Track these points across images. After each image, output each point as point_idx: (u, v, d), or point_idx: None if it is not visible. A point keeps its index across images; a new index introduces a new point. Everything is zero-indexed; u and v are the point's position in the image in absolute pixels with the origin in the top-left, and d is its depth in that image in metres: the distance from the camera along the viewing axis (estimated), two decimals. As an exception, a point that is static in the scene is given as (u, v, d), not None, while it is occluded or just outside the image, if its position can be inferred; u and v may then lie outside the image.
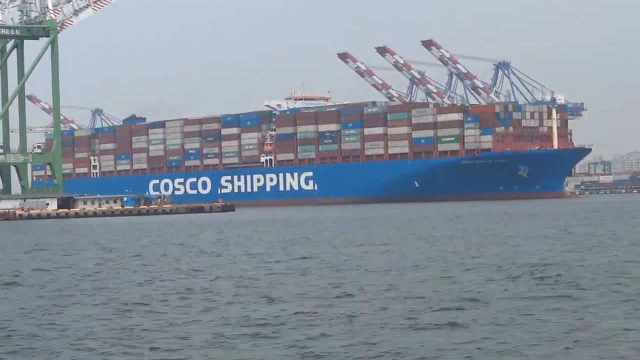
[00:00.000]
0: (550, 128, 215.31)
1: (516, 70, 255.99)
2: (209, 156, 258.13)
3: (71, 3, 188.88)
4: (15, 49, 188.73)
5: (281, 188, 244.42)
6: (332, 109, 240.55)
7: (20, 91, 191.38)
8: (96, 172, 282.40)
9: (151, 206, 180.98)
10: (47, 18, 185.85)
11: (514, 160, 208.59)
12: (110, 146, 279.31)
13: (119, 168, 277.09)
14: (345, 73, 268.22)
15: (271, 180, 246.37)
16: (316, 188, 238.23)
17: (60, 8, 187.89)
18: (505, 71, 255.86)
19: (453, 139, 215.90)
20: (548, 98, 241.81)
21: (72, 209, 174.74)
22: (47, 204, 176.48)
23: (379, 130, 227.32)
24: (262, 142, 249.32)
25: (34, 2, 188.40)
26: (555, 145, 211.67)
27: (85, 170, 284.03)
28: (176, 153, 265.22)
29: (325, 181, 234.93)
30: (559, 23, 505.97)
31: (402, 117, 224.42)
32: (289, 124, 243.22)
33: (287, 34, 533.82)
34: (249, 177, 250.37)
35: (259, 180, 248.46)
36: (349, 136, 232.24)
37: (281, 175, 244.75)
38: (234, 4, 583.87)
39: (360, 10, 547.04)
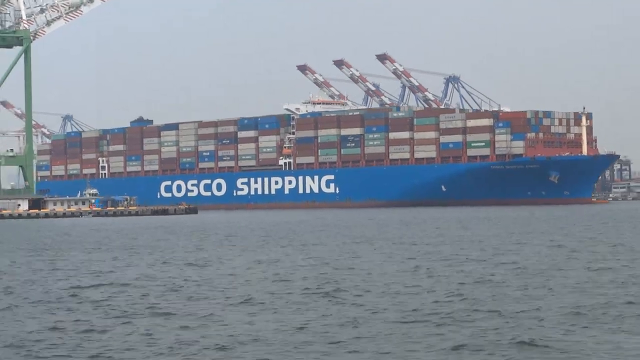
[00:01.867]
0: (578, 135, 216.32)
1: (465, 83, 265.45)
2: (225, 158, 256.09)
3: (44, 14, 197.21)
4: None
5: (300, 191, 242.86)
6: (355, 113, 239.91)
7: None
8: (105, 174, 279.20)
9: (118, 208, 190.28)
10: (21, 28, 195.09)
11: (546, 166, 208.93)
12: (120, 147, 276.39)
13: (129, 169, 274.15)
14: (303, 84, 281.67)
15: (290, 183, 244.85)
16: (337, 191, 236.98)
17: (34, 18, 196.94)
18: (455, 84, 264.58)
19: (483, 144, 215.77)
20: (496, 109, 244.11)
21: (42, 210, 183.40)
22: (19, 205, 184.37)
23: (404, 134, 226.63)
24: (281, 145, 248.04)
25: (8, 12, 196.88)
26: (585, 151, 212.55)
27: (93, 171, 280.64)
28: (190, 155, 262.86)
29: (347, 184, 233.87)
30: (510, 34, 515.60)
31: (430, 122, 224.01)
32: (309, 127, 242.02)
33: (254, 41, 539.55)
34: (266, 179, 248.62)
35: (277, 182, 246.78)
36: (373, 140, 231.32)
37: (300, 178, 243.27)
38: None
39: (318, 24, 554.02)
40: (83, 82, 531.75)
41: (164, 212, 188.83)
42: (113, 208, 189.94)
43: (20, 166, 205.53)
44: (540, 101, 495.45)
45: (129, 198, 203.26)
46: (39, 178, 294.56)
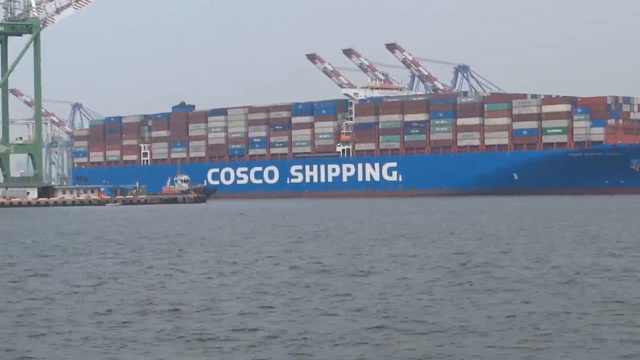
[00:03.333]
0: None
1: (474, 72, 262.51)
2: (277, 145, 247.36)
3: (53, 2, 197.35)
4: (0, 45, 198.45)
5: (359, 179, 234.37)
6: (420, 98, 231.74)
7: (4, 85, 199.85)
8: (147, 160, 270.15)
9: (127, 196, 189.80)
10: (31, 16, 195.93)
11: (628, 154, 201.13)
12: (163, 133, 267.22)
13: (173, 156, 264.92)
14: (313, 73, 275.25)
15: (348, 170, 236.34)
16: (400, 179, 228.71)
17: (43, 6, 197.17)
18: (465, 74, 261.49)
19: (560, 130, 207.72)
20: None
21: (51, 198, 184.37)
22: (28, 193, 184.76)
23: (474, 120, 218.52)
24: (338, 131, 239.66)
25: (18, 0, 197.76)
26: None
27: (134, 157, 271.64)
28: (239, 141, 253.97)
29: (410, 172, 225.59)
30: (517, 26, 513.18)
31: (502, 107, 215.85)
32: (369, 113, 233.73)
33: (259, 32, 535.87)
34: (322, 167, 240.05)
35: (334, 170, 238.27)
36: (440, 126, 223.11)
37: (360, 165, 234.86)
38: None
39: (327, 13, 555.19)
40: (96, 70, 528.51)
41: (173, 201, 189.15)
42: (122, 196, 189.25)
43: (30, 154, 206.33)
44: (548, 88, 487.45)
45: (137, 186, 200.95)
46: (75, 164, 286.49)
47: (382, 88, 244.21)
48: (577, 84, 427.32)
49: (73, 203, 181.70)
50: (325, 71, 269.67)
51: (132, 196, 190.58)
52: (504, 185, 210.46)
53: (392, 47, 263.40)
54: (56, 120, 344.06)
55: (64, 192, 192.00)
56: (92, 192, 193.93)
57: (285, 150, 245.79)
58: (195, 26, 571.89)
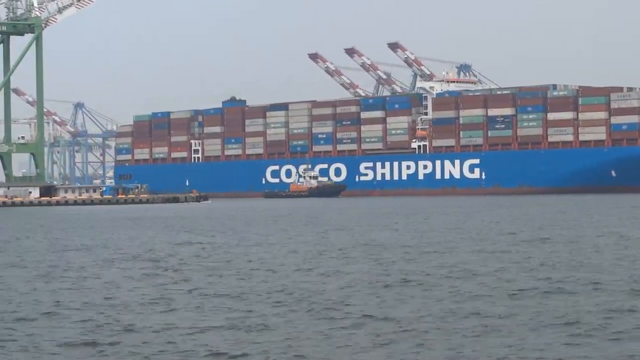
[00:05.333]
0: None
1: (476, 71, 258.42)
2: (345, 141, 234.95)
3: (55, 1, 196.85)
4: (2, 45, 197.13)
5: (437, 176, 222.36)
6: (506, 92, 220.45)
7: (6, 85, 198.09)
8: (198, 157, 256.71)
9: (129, 196, 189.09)
10: (33, 15, 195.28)
11: None
12: (216, 129, 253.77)
13: (227, 153, 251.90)
14: (314, 72, 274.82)
15: (425, 167, 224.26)
16: (483, 177, 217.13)
17: (45, 6, 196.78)
18: (467, 72, 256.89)
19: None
20: None
21: (53, 198, 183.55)
22: (30, 192, 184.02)
23: (567, 115, 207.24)
24: (413, 126, 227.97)
25: (20, 0, 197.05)
26: None
27: (184, 154, 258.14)
28: (302, 137, 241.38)
29: (495, 169, 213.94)
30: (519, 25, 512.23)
31: (599, 101, 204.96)
32: (449, 108, 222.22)
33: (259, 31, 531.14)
34: (396, 163, 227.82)
35: (409, 167, 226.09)
36: (528, 121, 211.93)
37: (438, 162, 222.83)
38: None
39: (329, 12, 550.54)
40: (99, 69, 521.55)
41: (175, 200, 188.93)
42: (124, 195, 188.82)
43: (32, 153, 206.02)
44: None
45: (140, 186, 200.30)
46: (117, 162, 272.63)
47: (458, 81, 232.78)
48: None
49: (75, 202, 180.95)
50: (327, 70, 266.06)
51: (134, 195, 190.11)
52: (598, 183, 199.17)
53: (394, 46, 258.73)
54: (58, 120, 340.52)
55: (66, 192, 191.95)
56: (94, 191, 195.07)
57: (353, 146, 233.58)
58: (195, 27, 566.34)
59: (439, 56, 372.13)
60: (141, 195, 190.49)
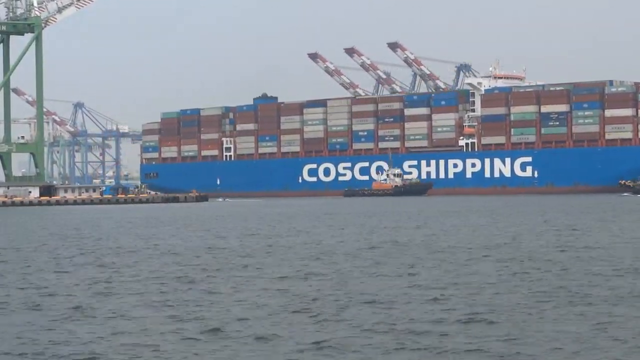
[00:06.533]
0: None
1: (476, 71, 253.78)
2: (387, 138, 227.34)
3: (55, 1, 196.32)
4: (2, 44, 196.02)
5: (487, 174, 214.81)
6: (559, 88, 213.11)
7: (6, 84, 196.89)
8: (229, 155, 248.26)
9: (129, 195, 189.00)
10: (32, 15, 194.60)
11: None
12: (249, 126, 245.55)
13: (261, 151, 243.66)
14: (314, 72, 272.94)
15: (473, 165, 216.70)
16: (536, 175, 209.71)
17: (45, 5, 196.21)
18: (467, 72, 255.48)
19: None
20: None
21: (53, 197, 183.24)
22: (30, 192, 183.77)
23: (626, 111, 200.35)
24: (461, 123, 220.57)
25: (20, 0, 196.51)
26: None
27: (214, 152, 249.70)
28: (341, 135, 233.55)
29: (548, 167, 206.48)
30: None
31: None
32: (499, 104, 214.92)
33: (260, 31, 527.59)
34: (442, 162, 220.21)
35: (456, 165, 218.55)
36: (584, 118, 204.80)
37: (487, 160, 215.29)
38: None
39: (329, 12, 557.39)
40: (99, 69, 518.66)
41: (175, 200, 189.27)
42: (124, 195, 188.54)
43: (32, 153, 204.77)
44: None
45: (139, 185, 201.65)
46: (144, 160, 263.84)
47: (505, 77, 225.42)
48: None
49: (75, 202, 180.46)
50: (327, 70, 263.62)
51: (134, 195, 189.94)
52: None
53: (393, 46, 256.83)
54: (58, 120, 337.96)
55: (65, 192, 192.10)
56: (94, 191, 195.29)
57: (396, 144, 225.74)
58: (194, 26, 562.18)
59: (439, 56, 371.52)
60: (141, 195, 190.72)
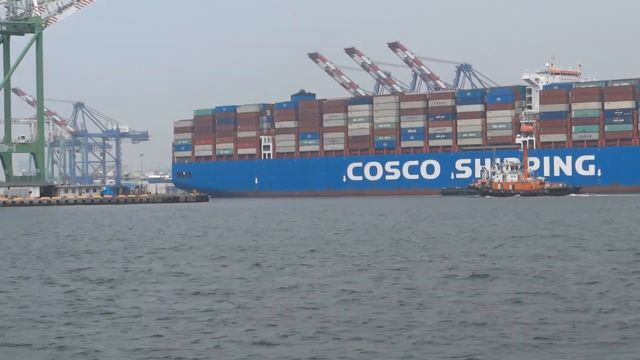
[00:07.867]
0: None
1: (476, 71, 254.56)
2: (438, 136, 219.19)
3: (55, 1, 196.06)
4: (2, 44, 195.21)
5: (546, 173, 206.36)
6: (625, 83, 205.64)
7: (6, 84, 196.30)
8: (268, 154, 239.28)
9: (129, 195, 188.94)
10: (33, 15, 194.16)
11: None
12: (290, 124, 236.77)
13: (302, 149, 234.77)
14: (315, 72, 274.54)
15: (532, 164, 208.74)
16: (599, 174, 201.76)
17: (45, 6, 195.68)
18: (467, 72, 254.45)
19: None
20: None
21: (53, 197, 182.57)
22: (30, 192, 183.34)
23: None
24: (517, 121, 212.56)
25: (20, 0, 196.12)
26: None
27: (252, 151, 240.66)
28: (388, 132, 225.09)
29: (613, 166, 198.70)
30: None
31: None
32: (559, 101, 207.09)
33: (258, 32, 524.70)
34: (498, 160, 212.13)
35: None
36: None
37: (546, 158, 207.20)
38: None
39: (330, 12, 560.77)
40: (99, 68, 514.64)
41: (175, 200, 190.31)
42: (124, 195, 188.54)
43: (32, 153, 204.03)
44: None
45: (140, 185, 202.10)
46: (175, 159, 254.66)
47: (562, 73, 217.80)
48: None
49: (75, 202, 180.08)
50: (327, 70, 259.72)
51: (134, 195, 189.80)
52: None
53: (394, 46, 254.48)
54: (58, 120, 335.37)
55: (66, 192, 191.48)
56: (95, 191, 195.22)
57: (448, 142, 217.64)
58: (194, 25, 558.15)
59: (439, 56, 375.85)
60: (141, 195, 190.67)
